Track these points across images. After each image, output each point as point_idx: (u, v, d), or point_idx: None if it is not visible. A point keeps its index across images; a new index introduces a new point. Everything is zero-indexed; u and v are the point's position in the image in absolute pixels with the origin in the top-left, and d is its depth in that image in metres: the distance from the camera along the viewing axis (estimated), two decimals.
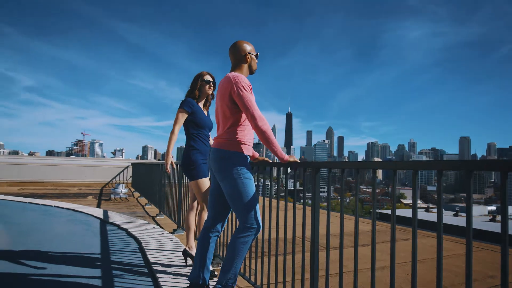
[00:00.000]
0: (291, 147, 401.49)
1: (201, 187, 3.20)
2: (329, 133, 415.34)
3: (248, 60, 2.38)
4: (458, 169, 1.35)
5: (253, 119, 2.15)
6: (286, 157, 2.26)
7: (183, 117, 3.29)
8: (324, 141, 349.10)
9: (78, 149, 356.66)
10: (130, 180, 13.99)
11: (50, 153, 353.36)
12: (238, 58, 2.38)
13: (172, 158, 3.40)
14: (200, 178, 3.20)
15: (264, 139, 2.14)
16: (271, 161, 2.58)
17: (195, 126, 3.29)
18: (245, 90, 2.19)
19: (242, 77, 2.23)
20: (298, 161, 2.27)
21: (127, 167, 14.41)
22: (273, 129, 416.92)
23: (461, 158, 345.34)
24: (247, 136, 2.32)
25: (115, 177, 14.29)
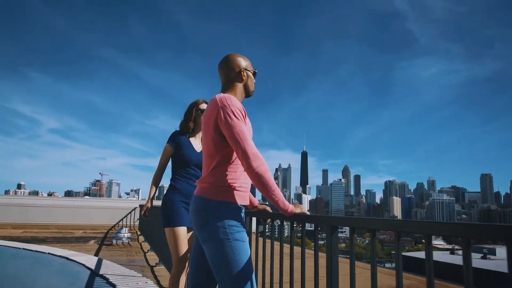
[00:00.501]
0: (307, 186, 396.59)
1: (177, 239, 2.53)
2: (345, 172, 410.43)
3: (244, 78, 1.83)
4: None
5: (244, 158, 1.55)
6: (291, 207, 1.65)
7: (165, 153, 2.81)
8: (340, 180, 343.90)
9: (95, 189, 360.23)
10: (138, 223, 13.41)
11: (68, 193, 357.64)
12: (230, 76, 1.82)
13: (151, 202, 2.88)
14: (176, 226, 2.55)
15: (260, 185, 1.55)
16: (272, 212, 1.98)
17: (180, 163, 2.77)
18: (236, 117, 1.60)
19: (232, 100, 1.65)
20: (307, 212, 1.67)
21: (134, 208, 13.88)
22: (288, 168, 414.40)
23: (483, 196, 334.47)
24: (241, 178, 1.70)
25: (121, 220, 13.73)
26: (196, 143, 2.88)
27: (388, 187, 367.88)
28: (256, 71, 1.92)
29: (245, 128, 1.61)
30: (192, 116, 2.88)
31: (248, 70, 1.85)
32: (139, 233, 11.63)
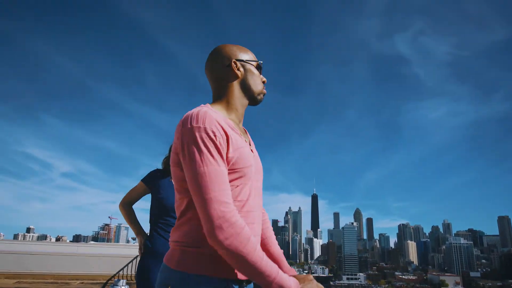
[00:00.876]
0: (318, 229, 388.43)
1: None
2: (357, 215, 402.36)
3: (238, 73, 1.19)
4: None
5: (206, 221, 0.92)
6: (288, 284, 0.95)
7: (133, 192, 2.30)
8: (352, 223, 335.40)
9: (104, 233, 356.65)
10: None
11: (77, 238, 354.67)
12: (219, 75, 1.19)
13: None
14: None
15: (236, 264, 0.93)
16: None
17: (159, 210, 2.20)
18: (201, 149, 0.95)
19: (201, 119, 0.99)
20: None
21: (136, 256, 13.02)
22: (299, 212, 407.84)
23: (502, 239, 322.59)
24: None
25: (122, 269, 12.85)
26: None
27: (402, 231, 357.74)
28: (260, 62, 1.25)
29: (213, 170, 0.94)
30: None
31: (245, 62, 1.20)
32: None
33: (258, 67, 1.24)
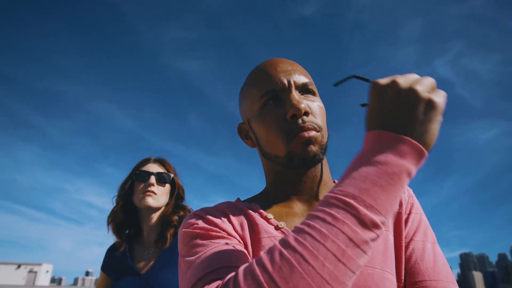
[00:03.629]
0: None
1: None
2: None
3: (253, 135, 0.80)
4: None
5: None
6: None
7: (100, 284, 1.56)
8: None
9: None
10: None
11: None
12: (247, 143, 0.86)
13: None
14: None
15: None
16: None
17: None
18: (185, 252, 0.62)
19: (186, 221, 0.68)
20: None
21: None
22: None
23: None
24: None
25: None
26: (143, 254, 1.50)
27: (465, 261, 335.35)
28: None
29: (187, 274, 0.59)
30: (123, 195, 1.53)
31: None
32: None
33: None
